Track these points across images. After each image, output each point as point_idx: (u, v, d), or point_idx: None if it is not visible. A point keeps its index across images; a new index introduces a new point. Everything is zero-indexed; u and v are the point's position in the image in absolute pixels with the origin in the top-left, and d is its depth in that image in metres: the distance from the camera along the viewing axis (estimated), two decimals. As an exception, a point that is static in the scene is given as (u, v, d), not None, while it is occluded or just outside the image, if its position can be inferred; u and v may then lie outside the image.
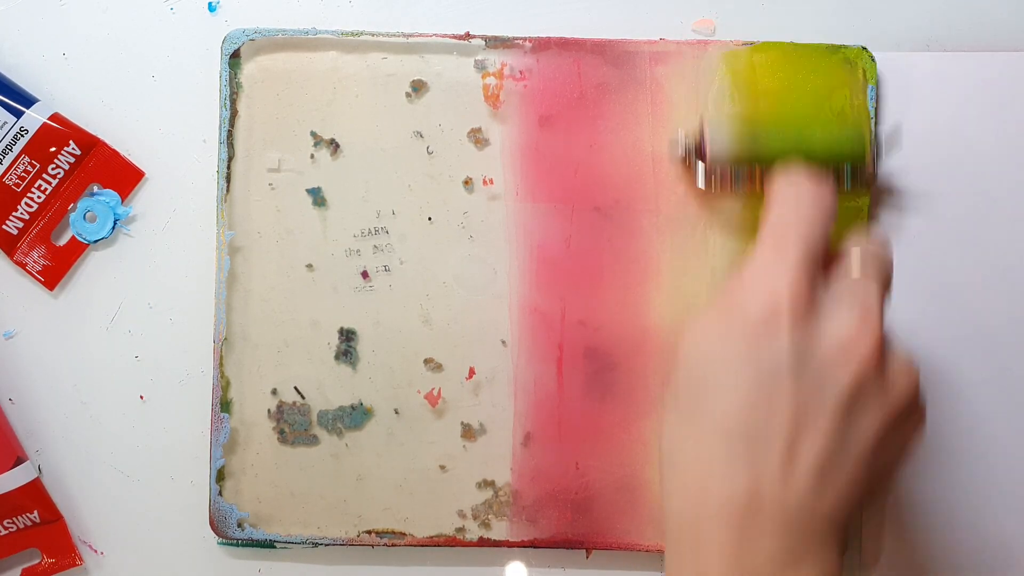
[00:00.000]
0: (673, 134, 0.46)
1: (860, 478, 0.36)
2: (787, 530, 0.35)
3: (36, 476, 0.47)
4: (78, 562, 0.47)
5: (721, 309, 0.37)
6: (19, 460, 0.46)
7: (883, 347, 0.36)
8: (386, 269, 0.46)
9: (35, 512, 0.46)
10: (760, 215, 0.39)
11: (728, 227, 0.46)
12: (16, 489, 0.46)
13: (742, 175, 0.43)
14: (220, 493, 0.46)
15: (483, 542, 0.46)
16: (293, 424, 0.46)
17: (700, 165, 0.44)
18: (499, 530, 0.46)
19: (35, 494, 0.46)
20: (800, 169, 0.40)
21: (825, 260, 0.38)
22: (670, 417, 0.38)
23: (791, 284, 0.36)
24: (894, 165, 0.46)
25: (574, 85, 0.46)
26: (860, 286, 0.37)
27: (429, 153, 0.46)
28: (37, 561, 0.47)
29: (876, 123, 0.46)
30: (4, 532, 0.46)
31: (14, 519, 0.46)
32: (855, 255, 0.38)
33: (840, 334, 0.36)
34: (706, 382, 0.36)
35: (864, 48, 0.46)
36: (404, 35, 0.46)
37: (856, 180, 0.44)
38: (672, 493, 0.37)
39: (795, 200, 0.38)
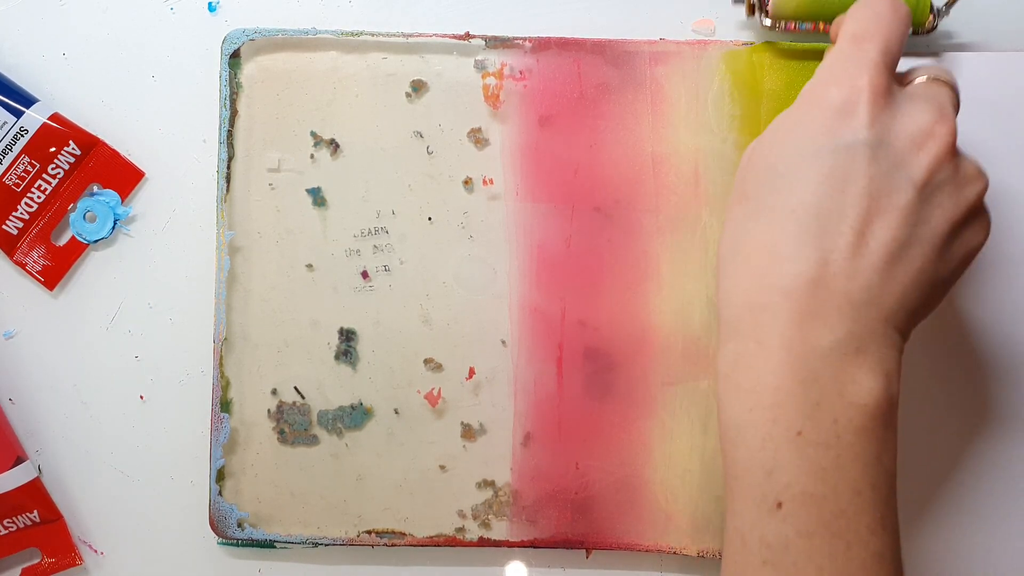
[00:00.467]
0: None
1: (927, 271, 0.36)
2: (852, 313, 0.35)
3: (36, 476, 0.47)
4: (78, 561, 0.47)
5: (799, 104, 0.37)
6: (19, 460, 0.46)
7: (956, 145, 0.37)
8: (386, 269, 0.46)
9: (35, 512, 0.46)
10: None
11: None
12: (16, 489, 0.46)
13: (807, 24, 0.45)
14: (220, 493, 0.46)
15: (483, 542, 0.46)
16: (293, 424, 0.46)
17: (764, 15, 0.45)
18: (499, 530, 0.46)
19: (35, 493, 0.47)
20: None
21: (897, 78, 0.39)
22: (736, 213, 0.38)
23: (871, 75, 0.36)
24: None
25: (574, 85, 0.46)
26: (935, 87, 0.38)
27: (429, 153, 0.46)
28: (37, 561, 0.47)
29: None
30: (4, 532, 0.46)
31: (14, 519, 0.46)
32: (927, 67, 0.39)
33: (917, 125, 0.36)
34: (781, 171, 0.36)
35: (864, 48, 0.46)
36: (404, 35, 0.46)
37: (915, 30, 0.45)
38: (733, 279, 0.37)
39: (874, 6, 0.38)
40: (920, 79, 0.38)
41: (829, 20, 0.44)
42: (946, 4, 0.45)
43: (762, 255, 0.36)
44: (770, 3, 0.45)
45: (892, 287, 0.35)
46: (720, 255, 0.38)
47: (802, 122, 0.37)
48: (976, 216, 0.38)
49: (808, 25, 0.45)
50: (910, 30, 0.39)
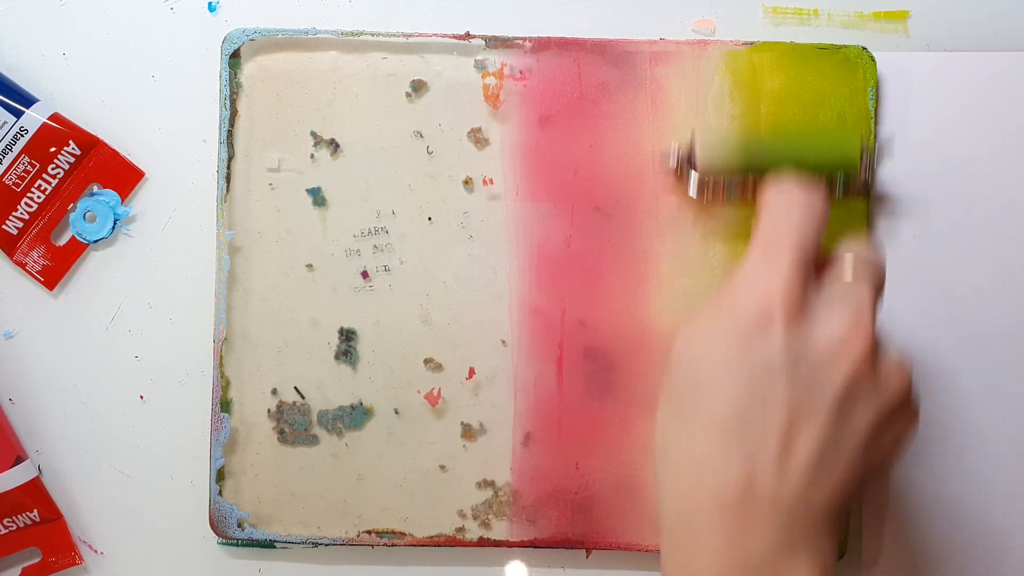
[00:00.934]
0: (666, 146, 0.46)
1: (854, 472, 0.36)
2: (782, 520, 0.35)
3: (36, 475, 0.47)
4: (78, 561, 0.47)
5: (715, 311, 0.37)
6: (19, 459, 0.46)
7: (876, 346, 0.37)
8: (386, 269, 0.46)
9: (35, 511, 0.46)
10: (753, 223, 0.39)
11: (723, 234, 0.46)
12: (16, 488, 0.46)
13: (734, 185, 0.44)
14: (220, 493, 0.46)
15: (483, 542, 0.46)
16: (293, 424, 0.46)
17: (692, 175, 0.44)
18: (499, 530, 0.46)
19: (35, 493, 0.47)
20: (792, 177, 0.40)
21: (818, 265, 0.39)
22: (664, 414, 0.38)
23: (784, 286, 0.36)
24: (894, 166, 0.46)
25: (574, 85, 0.46)
26: (853, 288, 0.38)
27: (429, 153, 0.46)
28: (37, 560, 0.47)
29: (876, 123, 0.46)
30: (4, 531, 0.46)
31: (14, 518, 0.46)
32: (848, 260, 0.39)
33: (833, 334, 0.36)
34: (700, 380, 0.37)
35: (864, 48, 0.46)
36: (404, 35, 0.46)
37: (848, 188, 0.44)
38: (667, 487, 0.37)
39: (787, 207, 0.39)
40: (840, 278, 0.38)
41: (761, 173, 0.43)
42: (877, 154, 0.45)
43: (691, 463, 0.36)
44: (696, 159, 0.44)
45: (820, 489, 0.36)
46: (655, 454, 0.38)
47: (721, 331, 0.37)
48: (902, 408, 0.38)
49: (736, 191, 0.44)
50: (826, 222, 0.39)
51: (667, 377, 0.38)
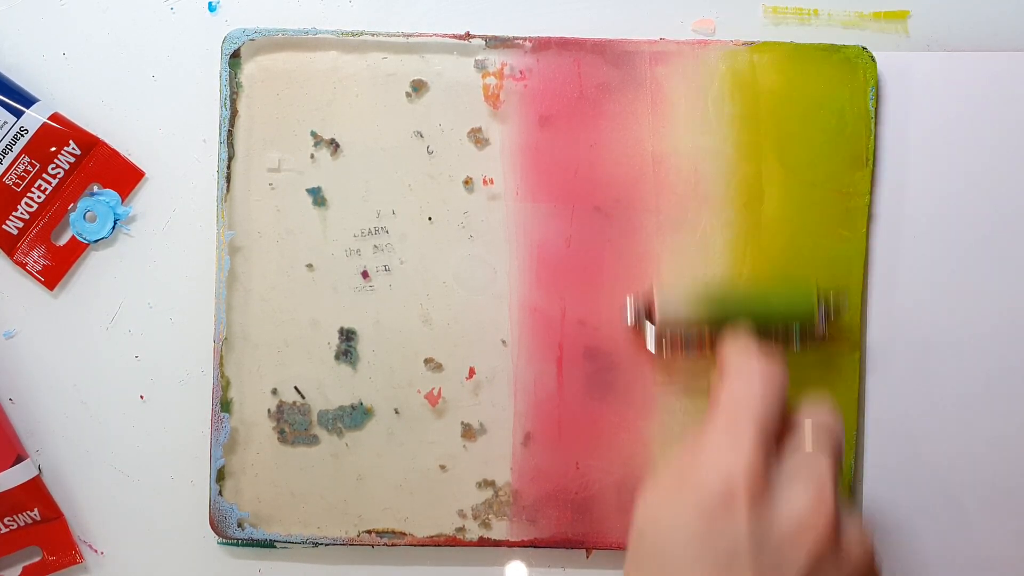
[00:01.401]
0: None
1: None
2: None
3: (36, 474, 0.47)
4: (79, 560, 0.47)
5: (678, 485, 0.37)
6: (19, 458, 0.46)
7: (838, 520, 0.37)
8: (386, 269, 0.46)
9: (35, 510, 0.46)
10: (712, 377, 0.40)
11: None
12: (16, 487, 0.46)
13: (692, 338, 0.44)
14: (220, 493, 0.46)
15: (483, 542, 0.46)
16: (293, 424, 0.46)
17: (650, 328, 0.44)
18: (499, 530, 0.46)
19: (35, 492, 0.47)
20: (749, 339, 0.41)
21: (779, 430, 0.39)
22: None
23: (746, 464, 0.36)
24: (894, 166, 0.46)
25: (574, 85, 0.46)
26: (813, 461, 0.38)
27: (429, 153, 0.46)
28: (38, 559, 0.47)
29: (876, 123, 0.46)
30: (4, 530, 0.46)
31: (14, 517, 0.46)
32: (807, 428, 0.39)
33: (796, 513, 0.36)
34: (664, 557, 0.37)
35: (864, 48, 0.46)
36: (404, 35, 0.46)
37: (805, 339, 0.44)
38: None
39: (747, 378, 0.39)
40: (800, 448, 0.38)
41: (719, 325, 0.43)
42: (835, 307, 0.45)
43: None
44: (655, 312, 0.44)
45: None
46: None
47: (686, 507, 0.37)
48: None
49: (695, 345, 0.44)
50: (786, 390, 0.39)
51: (632, 543, 0.38)
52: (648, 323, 0.45)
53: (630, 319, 0.46)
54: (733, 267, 0.46)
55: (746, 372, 0.39)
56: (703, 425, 0.38)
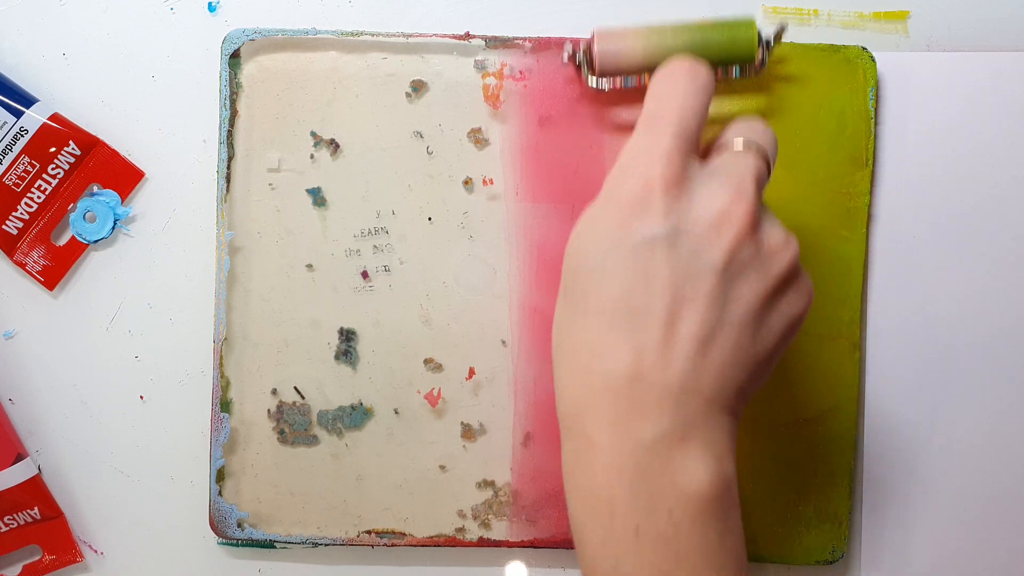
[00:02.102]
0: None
1: (744, 352, 0.36)
2: (672, 403, 0.35)
3: (36, 472, 0.47)
4: (79, 558, 0.47)
5: (600, 199, 0.37)
6: (19, 457, 0.46)
7: (758, 219, 0.36)
8: (386, 269, 0.46)
9: (35, 508, 0.47)
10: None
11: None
12: (16, 486, 0.46)
13: (632, 77, 0.44)
14: (220, 493, 0.46)
15: (483, 542, 0.46)
16: (293, 424, 0.46)
17: (591, 78, 0.44)
18: (499, 530, 0.46)
19: (35, 490, 0.47)
20: (681, 57, 0.40)
21: (708, 147, 0.39)
22: (560, 309, 0.38)
23: (663, 163, 0.36)
24: (894, 166, 0.47)
25: (574, 85, 0.46)
26: (737, 159, 0.37)
27: (429, 153, 0.46)
28: (38, 557, 0.47)
29: (876, 123, 0.46)
30: (5, 529, 0.47)
31: (15, 515, 0.46)
32: (734, 130, 0.39)
33: (713, 207, 0.36)
34: (588, 269, 0.36)
35: (864, 48, 0.46)
36: (404, 35, 0.46)
37: (744, 72, 0.44)
38: (561, 379, 0.37)
39: (670, 80, 0.38)
40: (727, 150, 0.38)
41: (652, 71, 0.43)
42: (775, 36, 0.44)
43: (581, 354, 0.36)
44: (595, 60, 0.44)
45: (709, 372, 0.35)
46: (553, 349, 0.38)
47: (603, 216, 0.37)
48: (791, 284, 0.37)
49: (633, 81, 0.44)
50: (711, 97, 0.39)
51: (562, 274, 0.38)
52: (589, 71, 0.44)
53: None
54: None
55: (670, 75, 0.38)
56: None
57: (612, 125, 0.46)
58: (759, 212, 0.36)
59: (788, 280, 0.37)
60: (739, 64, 0.44)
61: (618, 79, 0.44)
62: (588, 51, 0.44)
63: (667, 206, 0.35)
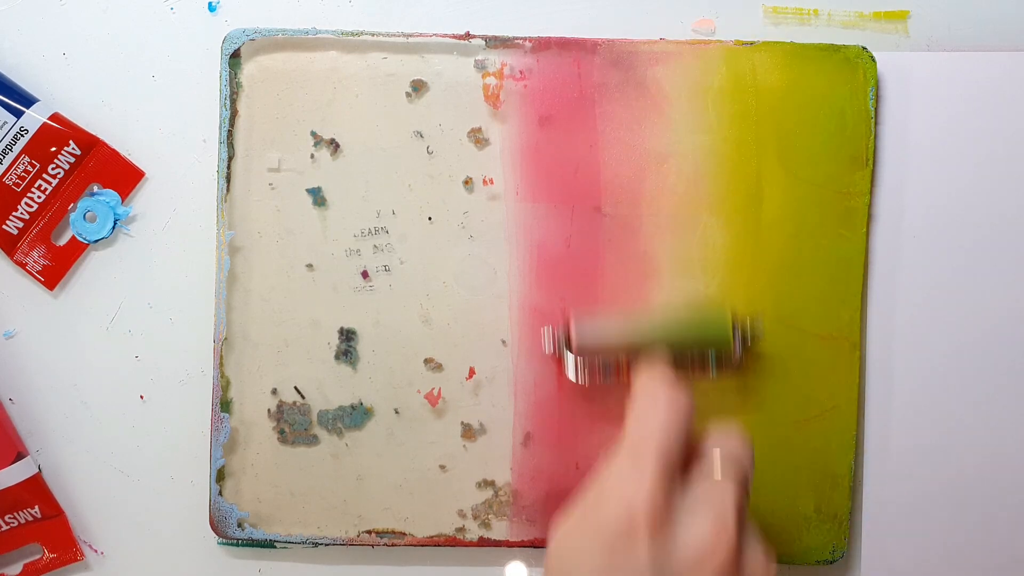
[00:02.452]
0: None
1: None
2: None
3: (36, 471, 0.47)
4: (80, 557, 0.47)
5: (584, 515, 0.37)
6: (19, 455, 0.46)
7: (739, 551, 0.37)
8: (386, 269, 0.46)
9: (36, 507, 0.47)
10: (626, 408, 0.39)
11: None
12: (17, 484, 0.46)
13: (610, 366, 0.44)
14: (220, 493, 0.46)
15: (483, 542, 0.46)
16: (293, 424, 0.46)
17: (569, 357, 0.45)
18: (499, 530, 0.46)
19: (36, 489, 0.47)
20: (661, 366, 0.41)
21: (687, 456, 0.39)
22: None
23: (647, 495, 0.36)
24: (894, 166, 0.46)
25: (574, 85, 0.46)
26: (717, 490, 0.38)
27: (429, 153, 0.46)
28: (39, 556, 0.47)
29: (876, 123, 0.46)
30: (5, 527, 0.47)
31: (15, 514, 0.46)
32: (714, 456, 0.39)
33: (696, 543, 0.36)
34: None
35: (864, 48, 0.46)
36: (404, 35, 0.46)
37: (721, 365, 0.44)
38: None
39: (652, 406, 0.39)
40: (706, 476, 0.38)
41: (636, 352, 0.44)
42: (750, 335, 0.45)
43: None
44: (573, 341, 0.44)
45: None
46: None
47: (586, 536, 0.37)
48: None
49: (612, 373, 0.44)
50: (692, 418, 0.39)
51: (545, 571, 0.38)
52: (567, 352, 0.45)
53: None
54: (733, 267, 0.46)
55: (652, 400, 0.39)
56: (611, 453, 0.38)
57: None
58: (741, 543, 0.37)
59: None
60: (715, 355, 0.44)
61: (597, 372, 0.44)
62: (566, 337, 0.45)
63: (652, 544, 0.36)
